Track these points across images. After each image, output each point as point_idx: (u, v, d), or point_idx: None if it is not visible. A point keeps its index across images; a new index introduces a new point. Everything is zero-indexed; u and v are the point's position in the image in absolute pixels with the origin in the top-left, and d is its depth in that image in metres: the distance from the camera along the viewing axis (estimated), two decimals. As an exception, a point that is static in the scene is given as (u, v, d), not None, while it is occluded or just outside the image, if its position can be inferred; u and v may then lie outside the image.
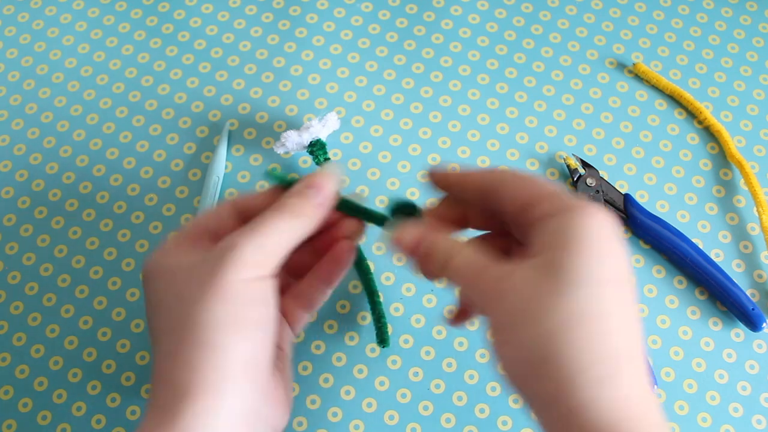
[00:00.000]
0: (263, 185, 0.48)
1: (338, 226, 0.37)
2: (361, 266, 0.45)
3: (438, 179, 0.35)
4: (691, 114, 0.50)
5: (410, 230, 0.34)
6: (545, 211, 0.30)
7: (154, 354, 0.32)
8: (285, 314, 0.37)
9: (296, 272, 0.38)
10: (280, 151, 0.47)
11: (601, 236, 0.28)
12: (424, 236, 0.33)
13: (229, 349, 0.30)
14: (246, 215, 0.35)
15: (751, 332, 0.45)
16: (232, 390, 0.30)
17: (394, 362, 0.44)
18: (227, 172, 0.48)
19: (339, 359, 0.44)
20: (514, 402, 0.43)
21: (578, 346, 0.27)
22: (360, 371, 0.44)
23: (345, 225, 0.36)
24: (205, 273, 0.30)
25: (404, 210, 0.36)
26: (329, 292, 0.38)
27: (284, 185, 0.36)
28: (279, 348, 0.35)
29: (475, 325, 0.44)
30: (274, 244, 0.32)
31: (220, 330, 0.30)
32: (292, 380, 0.36)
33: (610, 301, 0.28)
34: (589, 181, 0.47)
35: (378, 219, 0.36)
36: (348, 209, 0.36)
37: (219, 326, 0.30)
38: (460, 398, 0.43)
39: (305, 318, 0.38)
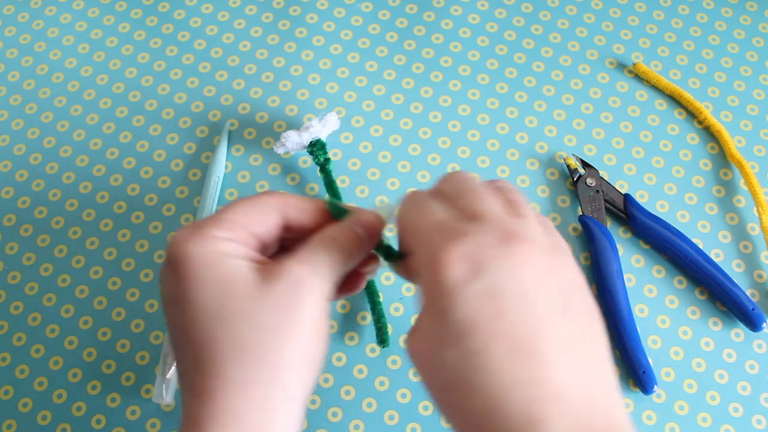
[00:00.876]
0: (263, 186, 0.48)
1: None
2: (361, 266, 0.45)
3: None
4: (691, 114, 0.50)
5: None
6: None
7: (202, 364, 0.30)
8: None
9: None
10: (280, 151, 0.47)
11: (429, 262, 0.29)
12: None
13: (303, 390, 0.30)
14: (290, 227, 0.34)
15: (751, 332, 0.45)
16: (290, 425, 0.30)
17: (394, 362, 0.44)
18: (227, 172, 0.48)
19: (339, 359, 0.44)
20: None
21: (452, 399, 0.28)
22: (360, 371, 0.44)
23: (367, 261, 0.36)
24: (280, 305, 0.30)
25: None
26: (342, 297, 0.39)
27: (337, 213, 0.34)
28: None
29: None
30: (333, 280, 0.32)
31: (298, 374, 0.30)
32: None
33: (471, 318, 0.27)
34: (589, 181, 0.47)
35: (395, 255, 0.35)
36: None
37: (296, 367, 0.30)
38: (460, 398, 0.43)
39: None
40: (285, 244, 0.35)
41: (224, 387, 0.29)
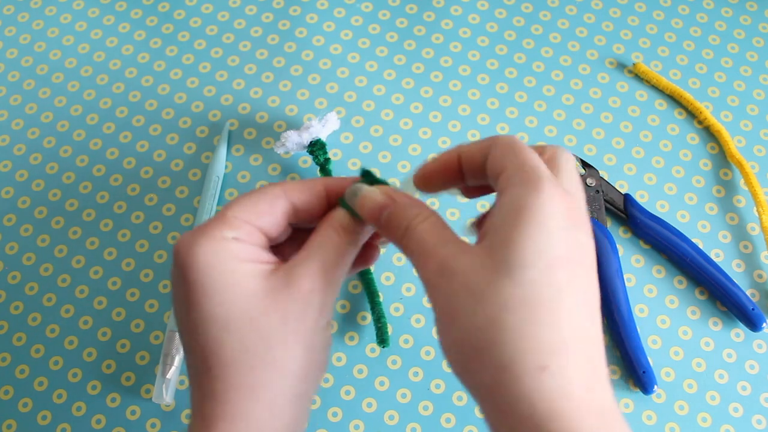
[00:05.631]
0: (263, 185, 0.48)
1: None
2: (361, 266, 0.45)
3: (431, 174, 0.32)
4: (691, 114, 0.50)
5: (374, 195, 0.31)
6: (505, 183, 0.28)
7: (218, 373, 0.30)
8: None
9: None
10: (280, 151, 0.47)
11: (548, 212, 0.27)
12: (387, 202, 0.31)
13: (311, 395, 0.31)
14: (298, 212, 0.33)
15: (751, 332, 0.45)
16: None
17: (394, 362, 0.44)
18: (227, 172, 0.48)
19: (339, 359, 0.44)
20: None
21: (516, 334, 0.26)
22: (360, 371, 0.44)
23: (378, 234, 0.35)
24: (290, 317, 0.30)
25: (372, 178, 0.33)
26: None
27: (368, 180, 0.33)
28: None
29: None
30: (342, 276, 0.32)
31: (309, 379, 0.30)
32: None
33: (559, 284, 0.26)
34: (589, 181, 0.47)
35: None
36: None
37: (304, 373, 0.30)
38: (460, 398, 0.43)
39: None
40: (297, 226, 0.34)
41: (234, 390, 0.29)
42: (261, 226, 0.32)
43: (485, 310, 0.26)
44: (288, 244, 0.34)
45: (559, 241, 0.27)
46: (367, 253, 0.36)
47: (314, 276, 0.30)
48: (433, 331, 0.44)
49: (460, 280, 0.27)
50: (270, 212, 0.32)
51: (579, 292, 0.27)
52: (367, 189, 0.32)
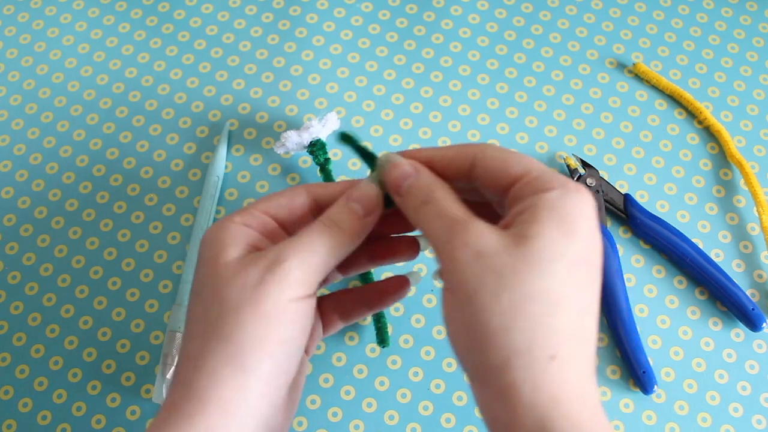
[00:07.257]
0: (263, 186, 0.48)
1: (398, 246, 0.36)
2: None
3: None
4: (691, 114, 0.50)
5: (403, 164, 0.32)
6: (527, 190, 0.29)
7: (182, 344, 0.31)
8: (321, 315, 0.36)
9: (342, 267, 0.36)
10: (280, 151, 0.47)
11: (581, 215, 0.28)
12: (411, 172, 0.32)
13: (257, 368, 0.29)
14: (321, 205, 0.34)
15: (751, 332, 0.45)
16: (249, 408, 0.29)
17: (394, 362, 0.44)
18: (227, 172, 0.48)
19: (339, 359, 0.44)
20: (514, 402, 0.43)
21: (535, 323, 0.27)
22: (360, 371, 0.44)
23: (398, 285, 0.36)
24: (248, 284, 0.30)
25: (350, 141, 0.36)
26: (368, 315, 0.39)
27: (360, 151, 0.35)
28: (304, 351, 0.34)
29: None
30: (319, 262, 0.31)
31: (250, 350, 0.29)
32: (304, 383, 0.35)
33: (574, 283, 0.28)
34: (589, 181, 0.47)
35: (371, 160, 0.35)
36: (350, 145, 0.36)
37: (250, 345, 0.29)
38: (460, 398, 0.43)
39: (339, 325, 0.37)
40: None
41: (186, 356, 0.31)
42: (276, 214, 0.33)
43: (510, 296, 0.27)
44: None
45: (585, 241, 0.28)
46: (399, 244, 0.36)
47: (288, 251, 0.30)
48: (434, 330, 0.44)
49: (488, 261, 0.27)
50: (288, 205, 0.33)
51: (590, 291, 0.28)
52: (399, 158, 0.33)
